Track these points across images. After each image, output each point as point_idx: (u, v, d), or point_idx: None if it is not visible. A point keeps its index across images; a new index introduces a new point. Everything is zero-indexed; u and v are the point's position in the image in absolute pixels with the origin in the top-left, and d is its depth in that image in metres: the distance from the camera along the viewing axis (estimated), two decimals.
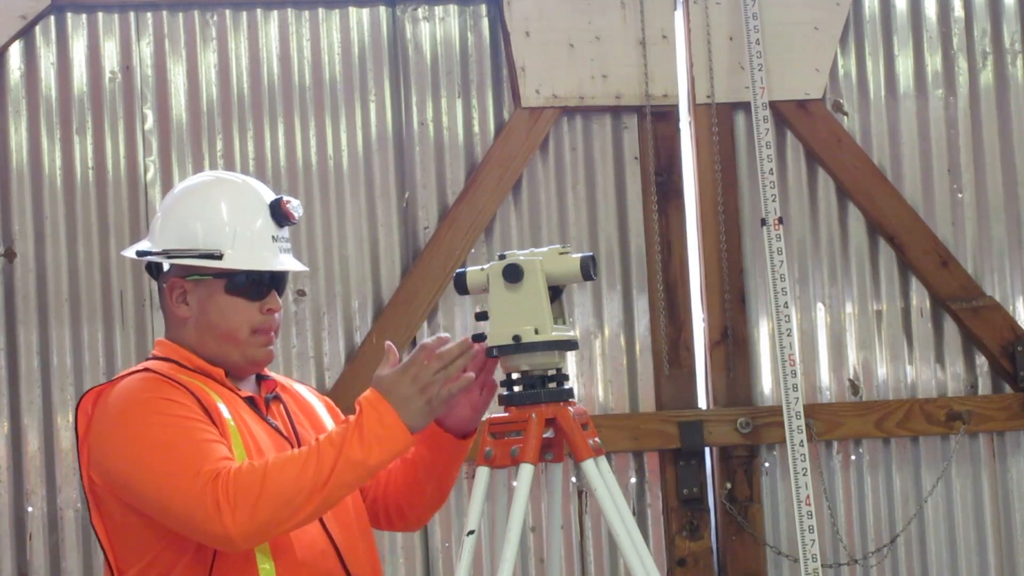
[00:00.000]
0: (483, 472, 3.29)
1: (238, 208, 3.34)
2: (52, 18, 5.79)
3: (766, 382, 6.05)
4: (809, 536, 5.65)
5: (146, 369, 3.29)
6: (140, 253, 3.34)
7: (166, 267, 3.35)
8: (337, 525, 3.33)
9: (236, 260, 3.29)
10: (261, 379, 3.45)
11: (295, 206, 3.36)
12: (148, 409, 3.18)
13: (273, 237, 3.35)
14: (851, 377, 6.10)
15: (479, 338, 3.34)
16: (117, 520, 3.26)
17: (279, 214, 3.35)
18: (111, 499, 3.26)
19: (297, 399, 3.50)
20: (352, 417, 3.18)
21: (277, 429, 3.35)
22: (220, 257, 3.27)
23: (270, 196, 3.39)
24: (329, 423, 3.49)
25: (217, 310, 3.31)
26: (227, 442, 3.19)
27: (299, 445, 3.32)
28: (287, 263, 3.37)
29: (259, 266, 3.30)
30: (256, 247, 3.32)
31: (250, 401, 3.36)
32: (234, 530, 3.06)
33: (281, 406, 3.43)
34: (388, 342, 3.36)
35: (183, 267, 3.31)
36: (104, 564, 3.30)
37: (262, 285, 3.33)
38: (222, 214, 3.32)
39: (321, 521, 3.28)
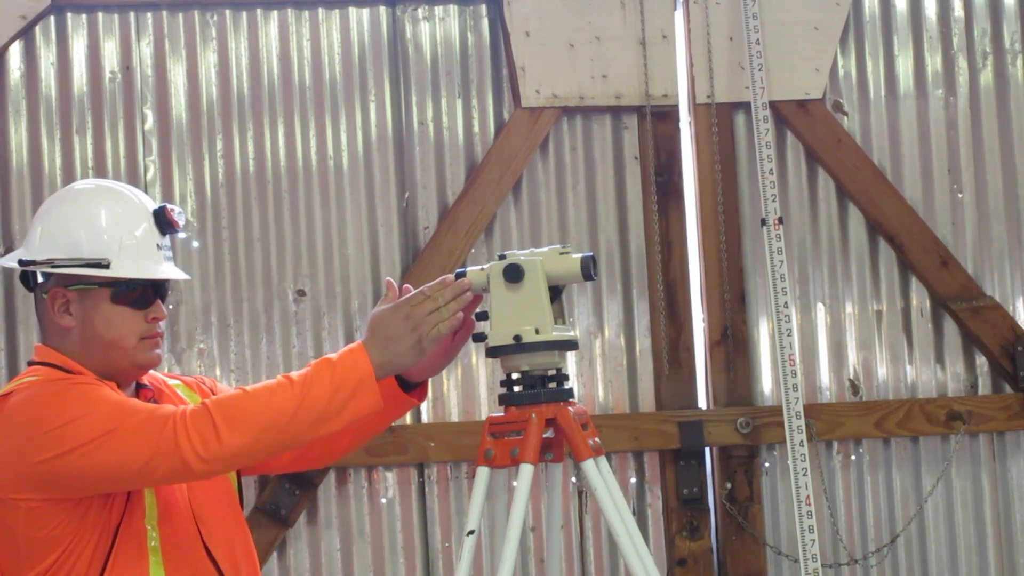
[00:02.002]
0: (483, 472, 3.29)
1: (121, 216, 3.27)
2: (52, 18, 5.79)
3: (766, 382, 6.05)
4: (809, 536, 5.65)
5: (35, 380, 3.21)
6: (22, 262, 3.26)
7: (41, 277, 3.28)
8: (211, 532, 3.32)
9: (122, 269, 3.23)
10: (140, 387, 3.38)
11: (179, 213, 3.33)
12: (68, 396, 3.14)
13: (157, 245, 3.30)
14: (851, 377, 6.10)
15: (479, 338, 3.35)
16: (19, 531, 3.18)
17: (163, 221, 3.30)
18: (14, 511, 3.18)
19: (173, 400, 3.44)
20: (332, 357, 3.19)
21: None
22: (107, 266, 3.21)
23: (152, 204, 3.33)
24: None
25: (103, 319, 3.25)
26: None
27: None
28: (171, 272, 3.32)
29: (146, 275, 3.25)
30: (141, 256, 3.26)
31: None
32: (205, 453, 3.07)
33: None
34: (388, 278, 3.38)
35: (65, 276, 3.24)
36: None
37: (148, 294, 3.28)
38: (104, 222, 3.25)
39: (199, 528, 3.28)
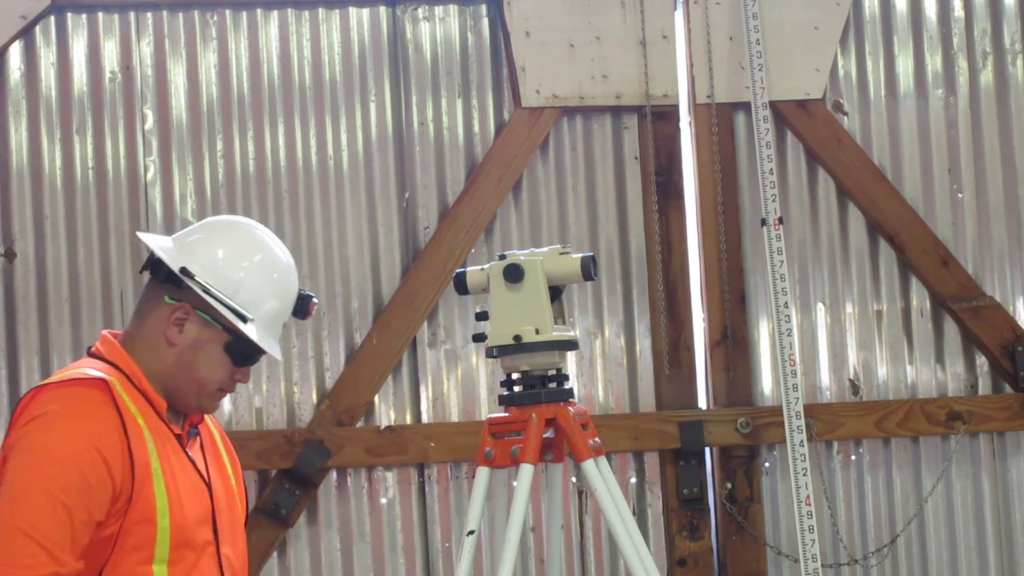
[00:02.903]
0: (483, 472, 3.29)
1: (278, 285, 3.32)
2: (52, 18, 5.79)
3: (766, 382, 6.05)
4: (809, 536, 5.65)
5: (98, 379, 3.19)
6: (183, 271, 3.24)
7: (187, 287, 3.26)
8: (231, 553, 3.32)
9: (253, 331, 3.26)
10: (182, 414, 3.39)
11: (314, 306, 3.39)
12: (59, 459, 3.08)
13: (284, 323, 3.35)
14: (851, 377, 6.10)
15: (479, 338, 3.34)
16: None
17: (300, 308, 3.36)
18: None
19: (207, 431, 3.46)
20: None
21: (195, 465, 3.30)
22: (245, 322, 3.25)
23: (296, 287, 3.37)
24: (227, 462, 3.45)
25: (205, 357, 3.25)
26: (104, 510, 3.09)
27: (209, 486, 3.29)
28: (279, 351, 3.37)
29: (268, 348, 3.30)
30: (272, 327, 3.31)
31: (178, 437, 3.30)
32: None
33: (199, 440, 3.39)
34: None
35: (199, 298, 3.24)
36: None
37: (248, 357, 3.30)
38: (264, 282, 3.29)
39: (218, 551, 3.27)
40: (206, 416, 3.44)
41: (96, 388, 3.15)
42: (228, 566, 3.29)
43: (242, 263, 3.26)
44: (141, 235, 3.43)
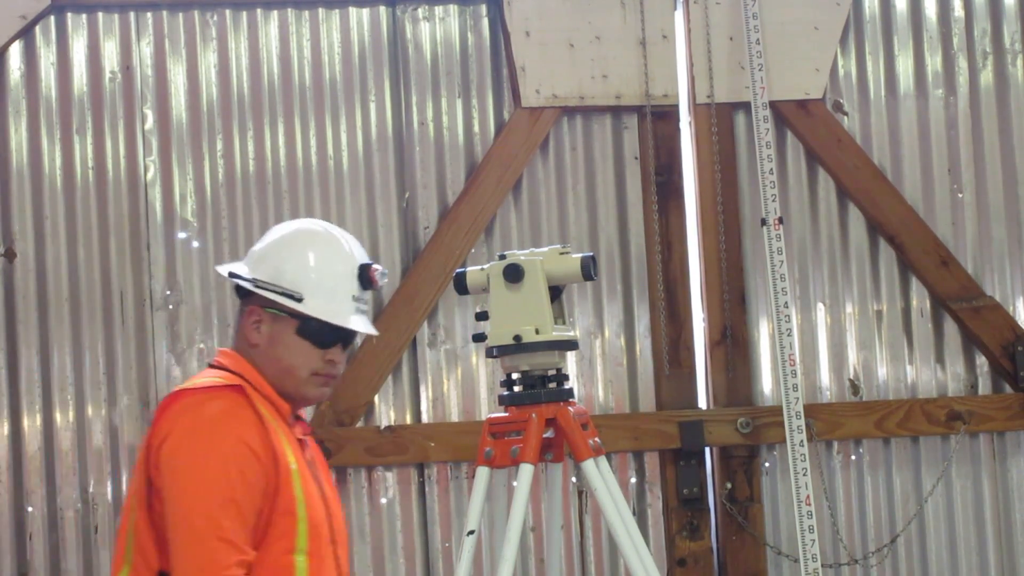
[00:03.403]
0: (483, 472, 3.29)
1: (328, 259, 3.45)
2: (52, 18, 5.79)
3: (766, 382, 6.05)
4: (809, 536, 5.65)
5: (236, 387, 3.36)
6: (231, 274, 3.45)
7: (252, 293, 3.45)
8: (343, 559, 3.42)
9: (312, 307, 3.37)
10: (298, 418, 3.53)
11: (380, 274, 3.47)
12: (218, 459, 3.28)
13: (353, 296, 3.43)
14: (851, 377, 6.10)
15: (479, 338, 3.34)
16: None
17: (364, 278, 3.44)
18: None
19: (312, 442, 3.58)
20: None
21: (311, 468, 3.44)
22: (300, 300, 3.37)
23: (362, 259, 3.47)
24: (322, 473, 3.53)
25: (284, 346, 3.41)
26: (256, 507, 3.27)
27: (321, 491, 3.42)
28: (359, 324, 3.44)
29: (331, 319, 3.38)
30: (334, 301, 3.41)
31: (299, 441, 3.46)
32: None
33: (307, 448, 3.51)
34: None
35: (265, 298, 3.42)
36: (131, 565, 3.32)
37: (330, 336, 3.40)
38: (310, 261, 3.43)
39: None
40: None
41: (236, 392, 3.35)
42: (341, 568, 3.42)
43: (282, 251, 3.43)
44: (219, 268, 3.61)
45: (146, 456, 3.29)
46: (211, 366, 3.46)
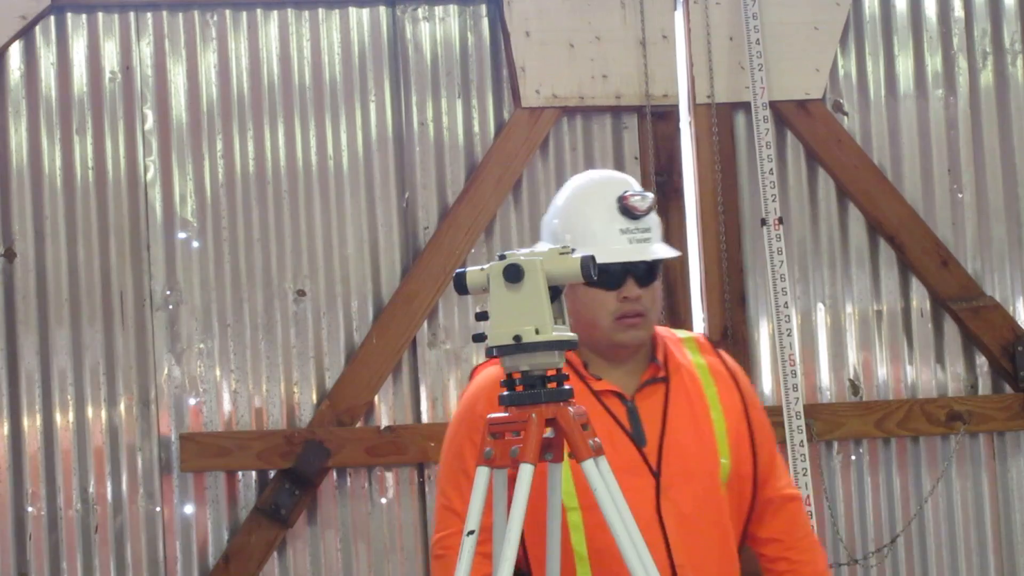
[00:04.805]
0: (483, 472, 3.28)
1: (586, 204, 3.52)
2: (52, 18, 5.79)
3: (766, 382, 6.05)
4: None
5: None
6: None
7: None
8: (682, 539, 3.43)
9: (598, 256, 3.39)
10: (652, 361, 3.54)
11: (638, 200, 3.48)
12: (453, 428, 3.58)
13: (621, 230, 3.47)
14: (851, 377, 6.11)
15: (479, 338, 3.34)
16: None
17: (622, 208, 3.48)
18: None
19: (688, 381, 3.55)
20: None
21: (620, 425, 3.47)
22: (570, 252, 3.39)
23: (619, 191, 3.50)
24: (713, 407, 3.53)
25: (581, 303, 3.50)
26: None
27: (640, 444, 3.45)
28: (637, 253, 3.47)
29: (611, 258, 3.42)
30: (602, 240, 3.46)
31: (612, 394, 3.49)
32: None
33: (663, 390, 3.51)
34: None
35: None
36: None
37: (614, 275, 3.45)
38: (572, 212, 3.53)
39: (664, 535, 3.42)
40: (698, 365, 3.57)
41: (484, 379, 3.55)
42: (673, 511, 3.44)
43: (555, 213, 3.57)
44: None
45: None
46: None
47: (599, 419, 3.45)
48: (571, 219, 3.53)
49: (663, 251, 3.54)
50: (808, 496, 5.66)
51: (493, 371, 3.54)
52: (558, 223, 3.54)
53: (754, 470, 3.56)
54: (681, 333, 3.68)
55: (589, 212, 3.51)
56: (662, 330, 3.66)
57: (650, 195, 3.53)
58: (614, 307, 3.47)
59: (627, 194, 3.49)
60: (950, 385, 6.14)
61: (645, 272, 3.51)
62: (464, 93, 5.99)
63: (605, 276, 3.43)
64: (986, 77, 6.25)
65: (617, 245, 3.48)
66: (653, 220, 3.56)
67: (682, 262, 6.02)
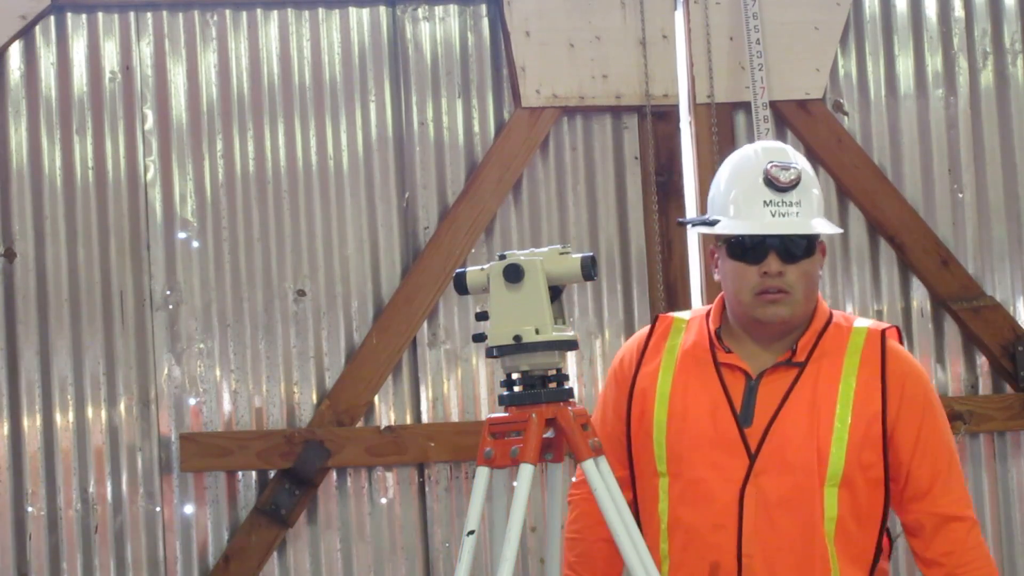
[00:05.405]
0: (483, 472, 3.28)
1: (734, 176, 3.50)
2: (52, 18, 5.79)
3: None
4: None
5: (659, 316, 3.67)
6: (679, 221, 3.76)
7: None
8: (757, 528, 3.39)
9: (726, 226, 3.43)
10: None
11: (780, 169, 3.43)
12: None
13: (765, 202, 3.42)
14: None
15: (479, 338, 3.34)
16: None
17: (768, 181, 3.43)
18: None
19: (827, 372, 3.47)
20: None
21: (729, 401, 3.45)
22: (713, 224, 3.43)
23: (766, 163, 3.46)
24: (843, 411, 3.45)
25: (725, 274, 3.49)
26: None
27: (744, 424, 3.43)
28: (774, 226, 3.41)
29: (740, 231, 3.41)
30: (745, 213, 3.43)
31: (736, 368, 3.48)
32: None
33: (794, 375, 3.45)
34: None
35: (715, 236, 3.51)
36: None
37: (754, 249, 3.41)
38: (721, 184, 3.51)
39: (739, 520, 3.40)
40: (850, 357, 3.48)
41: (651, 323, 3.64)
42: (758, 496, 3.38)
43: (712, 185, 3.55)
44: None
45: None
46: None
47: (709, 390, 3.44)
48: (719, 189, 3.51)
49: (801, 226, 3.43)
50: None
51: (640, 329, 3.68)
52: (712, 196, 3.53)
53: (885, 475, 3.44)
54: (861, 322, 3.57)
55: (737, 184, 3.47)
56: (840, 316, 3.56)
57: (797, 166, 3.46)
58: (755, 282, 3.42)
59: (771, 165, 3.44)
60: (950, 385, 6.14)
61: (790, 247, 3.42)
62: (464, 93, 5.99)
63: (744, 251, 3.41)
64: (986, 77, 6.25)
65: (758, 217, 3.42)
66: (804, 194, 3.45)
67: (682, 262, 6.02)
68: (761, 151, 3.53)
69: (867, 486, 3.44)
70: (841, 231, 3.70)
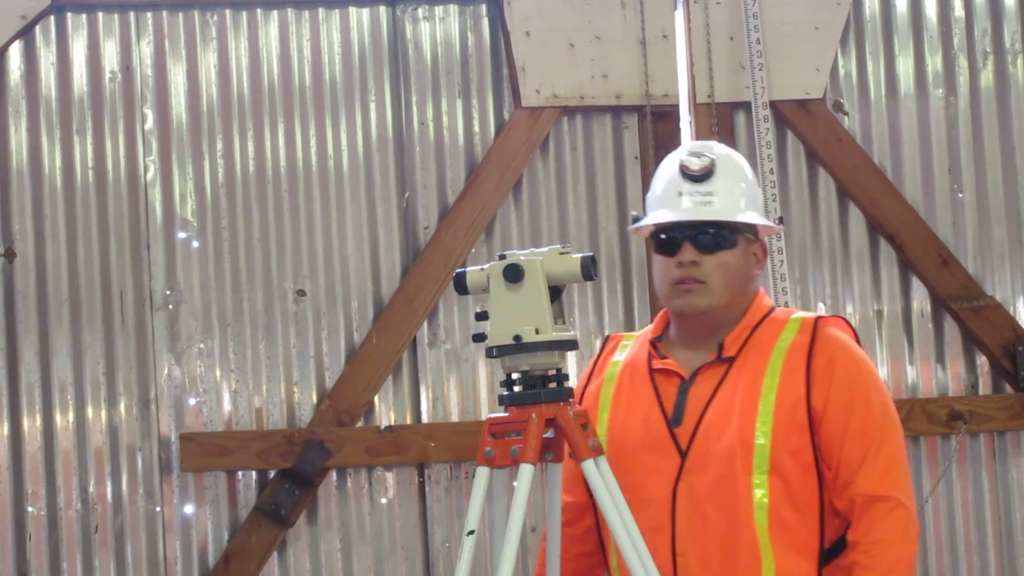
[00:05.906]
0: (483, 472, 3.28)
1: (659, 173, 3.51)
2: (52, 18, 5.79)
3: None
4: None
5: (612, 336, 3.69)
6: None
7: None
8: (689, 525, 3.37)
9: (643, 220, 3.47)
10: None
11: (692, 157, 3.42)
12: None
13: (680, 192, 3.42)
14: None
15: (479, 338, 3.34)
16: None
17: (681, 168, 3.43)
18: None
19: (754, 363, 3.42)
20: None
21: (657, 395, 3.44)
22: (636, 220, 3.48)
23: (677, 157, 3.47)
24: (767, 398, 3.39)
25: (653, 268, 3.53)
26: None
27: (669, 415, 3.41)
28: (690, 214, 3.38)
29: (652, 220, 3.43)
30: (661, 205, 3.44)
31: (669, 373, 3.46)
32: None
33: (722, 372, 3.43)
34: None
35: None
36: None
37: (671, 241, 3.41)
38: (654, 183, 3.51)
39: (672, 519, 3.39)
40: (779, 347, 3.42)
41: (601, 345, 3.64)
42: (688, 494, 3.37)
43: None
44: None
45: None
46: None
47: (643, 398, 3.43)
48: (651, 189, 3.51)
49: (711, 214, 3.39)
50: None
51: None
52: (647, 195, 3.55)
53: (815, 459, 3.36)
54: (799, 314, 3.50)
55: (660, 178, 3.48)
56: (782, 311, 3.51)
57: (708, 155, 3.42)
58: (673, 274, 3.41)
59: (687, 154, 3.45)
60: (951, 385, 6.14)
61: (706, 236, 3.39)
62: (464, 93, 5.99)
63: (664, 242, 3.42)
64: (986, 77, 6.25)
65: (673, 207, 3.41)
66: (723, 184, 3.40)
67: None
68: (685, 145, 3.54)
69: (799, 472, 3.36)
70: (771, 224, 3.50)
